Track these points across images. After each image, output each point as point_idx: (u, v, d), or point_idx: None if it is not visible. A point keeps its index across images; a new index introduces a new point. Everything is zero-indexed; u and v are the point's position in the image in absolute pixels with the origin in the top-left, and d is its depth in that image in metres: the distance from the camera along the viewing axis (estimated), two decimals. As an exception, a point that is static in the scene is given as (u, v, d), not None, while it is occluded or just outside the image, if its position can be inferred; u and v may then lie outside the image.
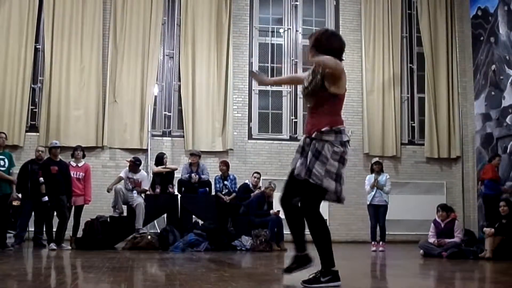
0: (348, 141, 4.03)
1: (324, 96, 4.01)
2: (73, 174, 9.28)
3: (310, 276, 3.96)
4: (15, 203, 9.30)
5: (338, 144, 3.93)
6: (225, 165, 10.38)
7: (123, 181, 9.76)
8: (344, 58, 4.15)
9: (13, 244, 8.80)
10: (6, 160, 8.46)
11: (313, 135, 3.98)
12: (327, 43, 4.08)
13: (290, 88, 12.78)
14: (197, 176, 10.00)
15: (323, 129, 3.93)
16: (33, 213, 9.28)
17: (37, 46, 11.93)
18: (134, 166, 9.80)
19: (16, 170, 9.04)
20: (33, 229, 9.39)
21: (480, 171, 11.44)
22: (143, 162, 10.65)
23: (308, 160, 3.93)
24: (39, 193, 8.79)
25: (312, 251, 4.12)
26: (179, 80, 12.31)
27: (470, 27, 12.80)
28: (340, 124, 4.01)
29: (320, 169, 3.87)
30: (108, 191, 9.73)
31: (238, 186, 10.32)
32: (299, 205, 4.05)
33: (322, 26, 13.03)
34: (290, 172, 4.13)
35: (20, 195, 9.20)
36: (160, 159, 10.24)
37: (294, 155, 4.15)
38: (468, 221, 12.35)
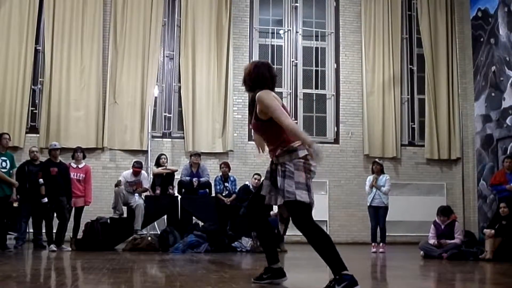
0: (307, 154, 3.97)
1: (263, 125, 4.13)
2: (74, 175, 9.29)
3: (325, 286, 3.79)
4: (15, 204, 9.29)
5: (296, 159, 3.97)
6: (227, 166, 10.39)
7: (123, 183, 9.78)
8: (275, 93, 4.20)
9: (15, 246, 8.81)
10: (8, 161, 8.48)
11: (275, 162, 4.11)
12: (258, 73, 4.20)
13: (290, 89, 12.78)
14: (196, 181, 10.01)
15: (277, 154, 4.07)
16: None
17: (37, 47, 11.92)
18: (137, 171, 9.81)
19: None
20: (32, 231, 9.40)
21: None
22: (143, 163, 10.63)
23: (278, 184, 3.99)
24: (37, 194, 8.79)
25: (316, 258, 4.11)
26: (179, 81, 12.30)
27: (470, 28, 12.80)
28: (290, 142, 4.02)
29: (290, 185, 3.93)
30: (116, 186, 9.71)
31: (238, 187, 10.33)
32: (294, 222, 4.04)
33: (322, 27, 13.06)
34: (257, 190, 4.32)
35: (18, 197, 9.19)
36: (157, 160, 10.28)
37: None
38: (468, 222, 12.35)
